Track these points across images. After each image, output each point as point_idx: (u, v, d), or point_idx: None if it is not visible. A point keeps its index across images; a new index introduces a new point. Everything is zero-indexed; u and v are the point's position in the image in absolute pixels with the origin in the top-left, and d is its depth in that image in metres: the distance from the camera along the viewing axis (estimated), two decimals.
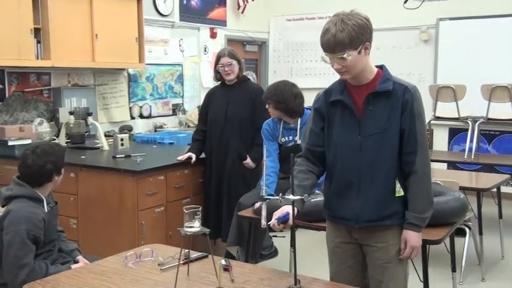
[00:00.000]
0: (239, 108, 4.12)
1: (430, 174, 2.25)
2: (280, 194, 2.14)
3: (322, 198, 2.97)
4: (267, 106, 3.65)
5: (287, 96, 3.55)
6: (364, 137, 2.19)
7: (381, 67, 2.25)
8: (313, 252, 4.61)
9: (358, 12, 2.13)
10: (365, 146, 2.18)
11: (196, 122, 4.63)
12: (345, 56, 2.08)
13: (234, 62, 4.12)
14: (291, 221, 2.10)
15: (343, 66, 2.12)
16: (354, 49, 2.08)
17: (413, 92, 2.18)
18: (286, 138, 3.68)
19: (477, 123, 5.71)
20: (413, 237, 2.20)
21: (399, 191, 2.20)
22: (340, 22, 2.07)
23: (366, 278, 2.35)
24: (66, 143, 4.75)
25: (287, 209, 2.12)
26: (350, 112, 2.21)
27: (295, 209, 2.12)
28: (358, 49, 2.08)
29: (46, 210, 2.66)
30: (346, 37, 2.05)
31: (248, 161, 4.11)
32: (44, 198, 2.68)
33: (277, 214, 2.13)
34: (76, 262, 2.77)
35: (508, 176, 4.67)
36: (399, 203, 2.22)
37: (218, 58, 4.15)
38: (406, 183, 2.21)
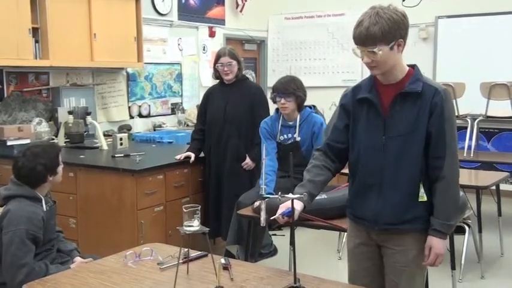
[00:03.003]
0: (238, 107, 4.12)
1: (458, 179, 2.16)
2: (280, 193, 2.14)
3: (323, 197, 3.01)
4: (283, 101, 3.56)
5: (304, 88, 3.62)
6: (388, 138, 2.13)
7: (412, 66, 2.19)
8: (313, 251, 4.62)
9: (396, 7, 2.08)
10: (388, 147, 2.13)
11: (195, 121, 4.62)
12: (375, 50, 2.02)
13: (234, 62, 4.11)
14: (296, 216, 2.09)
15: (373, 61, 2.07)
16: (385, 44, 2.02)
17: (443, 94, 2.09)
18: (285, 136, 3.67)
19: (476, 121, 5.71)
20: (438, 244, 2.13)
21: (422, 196, 2.13)
22: (375, 15, 2.02)
23: None
24: (65, 142, 4.75)
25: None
26: (376, 111, 2.16)
27: (302, 204, 2.11)
28: (390, 44, 2.03)
29: (45, 209, 2.66)
30: (379, 31, 2.00)
31: (247, 161, 4.10)
32: (42, 197, 2.68)
33: (282, 208, 2.11)
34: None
35: (507, 173, 4.67)
36: (422, 208, 2.14)
37: (218, 57, 4.13)
38: (433, 189, 2.13)
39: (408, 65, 2.19)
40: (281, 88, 3.58)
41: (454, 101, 5.46)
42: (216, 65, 4.14)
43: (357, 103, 2.22)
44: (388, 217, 2.16)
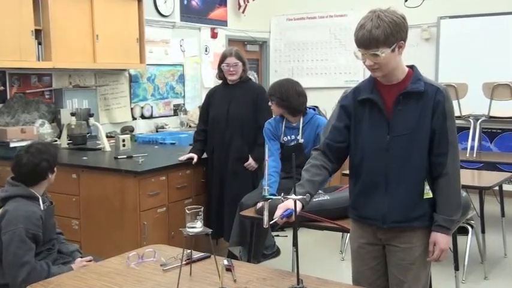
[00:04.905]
0: (241, 107, 4.12)
1: (460, 175, 2.20)
2: (282, 194, 2.13)
3: (325, 198, 3.00)
4: (270, 103, 3.66)
5: (290, 94, 3.58)
6: (392, 137, 2.16)
7: (411, 67, 2.23)
8: (316, 252, 4.62)
9: (395, 9, 2.11)
10: (393, 146, 2.16)
11: (197, 122, 4.63)
12: (378, 52, 2.05)
13: (240, 63, 4.12)
14: (293, 217, 2.09)
15: (376, 63, 2.10)
16: (387, 46, 2.05)
17: (444, 93, 2.16)
18: (289, 137, 3.67)
19: (479, 122, 5.70)
20: (442, 240, 2.16)
21: (428, 193, 2.17)
22: (376, 18, 2.04)
23: None
24: (68, 144, 4.75)
25: (290, 205, 2.11)
26: (379, 111, 2.19)
27: (300, 204, 2.11)
28: (392, 47, 2.06)
29: (42, 208, 2.66)
30: (382, 34, 2.03)
31: (250, 161, 4.10)
32: (39, 196, 2.69)
33: (281, 209, 2.11)
34: None
35: (510, 174, 4.66)
36: (427, 204, 2.18)
37: (224, 57, 4.14)
38: (436, 185, 2.17)
39: (406, 66, 2.22)
40: (268, 91, 3.72)
41: (456, 101, 5.50)
42: (222, 65, 4.14)
43: (359, 104, 2.24)
44: (396, 215, 2.18)
